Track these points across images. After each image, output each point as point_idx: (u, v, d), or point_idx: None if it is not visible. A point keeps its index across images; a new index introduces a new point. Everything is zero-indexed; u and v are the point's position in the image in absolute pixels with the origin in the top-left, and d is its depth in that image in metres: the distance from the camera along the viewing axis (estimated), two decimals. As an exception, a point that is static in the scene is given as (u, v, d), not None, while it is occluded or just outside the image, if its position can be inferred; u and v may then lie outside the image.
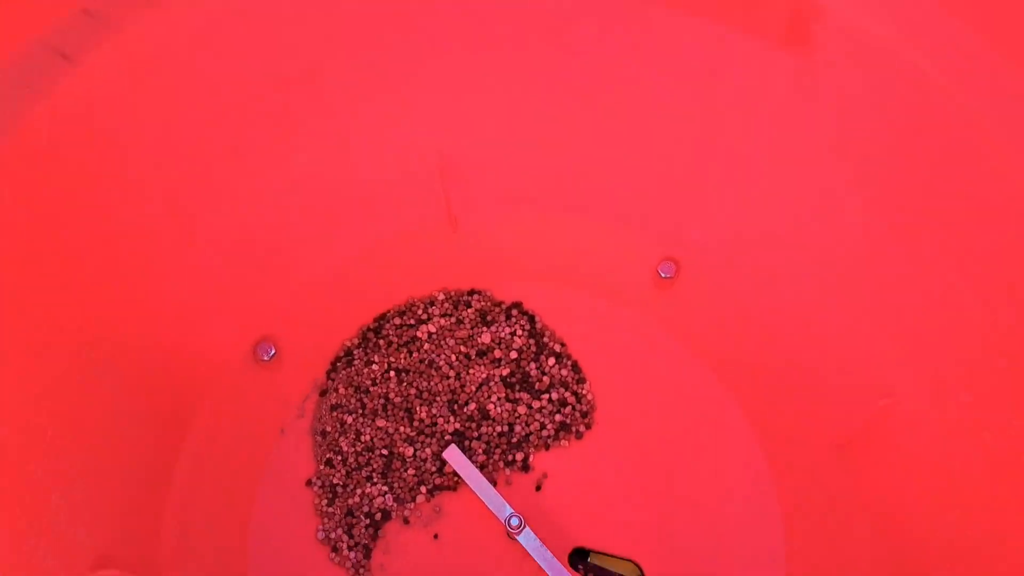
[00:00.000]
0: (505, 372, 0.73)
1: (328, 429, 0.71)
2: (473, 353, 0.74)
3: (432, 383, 0.73)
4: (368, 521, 0.69)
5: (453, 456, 0.67)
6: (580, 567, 0.68)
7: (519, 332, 0.75)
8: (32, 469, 0.45)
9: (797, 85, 0.55)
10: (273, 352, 0.69)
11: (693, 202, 0.69)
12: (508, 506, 0.65)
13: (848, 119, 0.54)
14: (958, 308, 0.50)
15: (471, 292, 0.76)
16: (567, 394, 0.73)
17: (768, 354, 0.67)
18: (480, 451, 0.71)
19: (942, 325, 0.52)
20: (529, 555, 0.67)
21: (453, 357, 0.74)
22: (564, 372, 0.74)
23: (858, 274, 0.59)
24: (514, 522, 0.64)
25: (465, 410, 0.72)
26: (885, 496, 0.60)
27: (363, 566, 0.67)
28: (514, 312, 0.75)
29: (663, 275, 0.71)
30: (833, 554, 0.62)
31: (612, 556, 0.69)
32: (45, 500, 0.46)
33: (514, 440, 0.71)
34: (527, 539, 0.64)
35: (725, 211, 0.67)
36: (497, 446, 0.71)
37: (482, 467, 0.70)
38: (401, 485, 0.70)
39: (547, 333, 0.75)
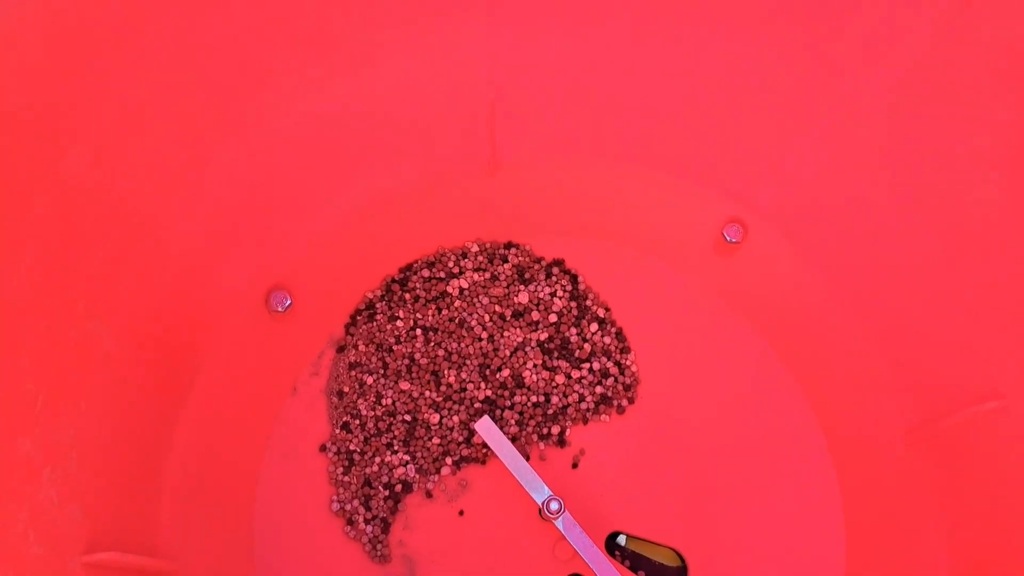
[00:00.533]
0: (543, 337, 0.66)
1: (346, 390, 0.64)
2: (508, 314, 0.67)
3: (462, 345, 0.66)
4: (387, 493, 0.62)
5: (486, 428, 0.61)
6: (616, 553, 0.63)
7: (560, 293, 0.67)
8: (20, 443, 0.38)
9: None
10: (289, 303, 0.61)
11: (770, 157, 0.61)
12: (546, 487, 0.59)
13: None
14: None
15: (508, 245, 0.68)
16: (609, 364, 0.66)
17: (841, 337, 0.61)
18: (512, 422, 0.64)
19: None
20: (562, 537, 0.61)
21: (486, 317, 0.66)
22: (607, 340, 0.67)
23: (965, 252, 0.52)
24: (553, 506, 0.58)
25: (498, 376, 0.65)
26: (965, 501, 0.55)
27: (380, 542, 0.61)
28: (555, 271, 0.68)
29: (729, 239, 0.63)
30: (897, 554, 0.57)
31: (651, 543, 0.64)
32: (35, 478, 0.39)
33: (550, 412, 0.65)
34: (566, 523, 0.58)
35: (807, 170, 0.60)
36: (532, 417, 0.65)
37: (514, 439, 0.64)
38: (425, 455, 0.64)
39: (590, 296, 0.68)
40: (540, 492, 0.59)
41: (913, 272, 0.54)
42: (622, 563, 0.63)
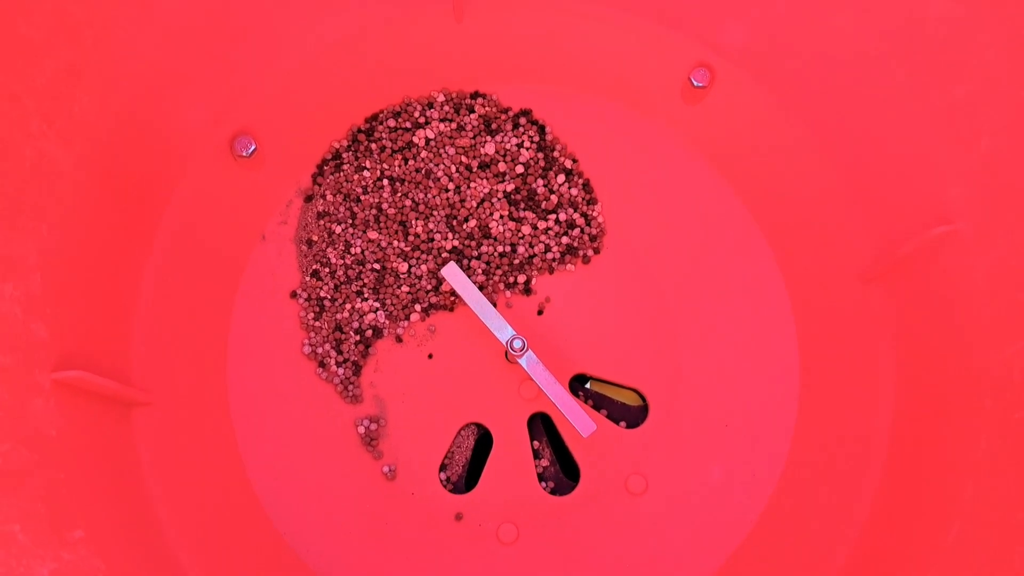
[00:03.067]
0: (509, 188, 0.67)
1: (314, 239, 0.65)
2: (475, 165, 0.67)
3: (429, 196, 0.66)
4: (358, 338, 0.64)
5: (452, 273, 0.62)
6: (580, 394, 0.66)
7: (527, 144, 0.67)
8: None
9: None
10: (253, 148, 0.61)
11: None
12: (509, 327, 0.61)
13: None
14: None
15: (475, 95, 0.67)
16: (576, 215, 0.67)
17: (804, 178, 0.61)
18: (479, 271, 0.65)
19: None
20: (528, 378, 0.63)
21: (453, 168, 0.66)
22: (574, 192, 0.67)
23: (922, 83, 0.51)
24: (516, 344, 0.59)
25: (465, 227, 0.66)
26: (914, 334, 0.57)
27: (352, 383, 0.64)
28: (522, 121, 0.68)
29: (696, 84, 0.63)
30: (850, 392, 0.60)
31: (614, 384, 0.66)
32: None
33: (516, 262, 0.66)
34: (529, 362, 0.60)
35: (779, 11, 0.58)
36: (498, 267, 0.66)
37: (481, 288, 0.65)
38: (394, 302, 0.65)
39: (558, 147, 0.68)
40: (505, 332, 0.60)
41: (874, 106, 0.54)
42: (585, 403, 0.65)
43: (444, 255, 0.66)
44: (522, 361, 0.60)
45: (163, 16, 0.51)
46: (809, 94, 0.59)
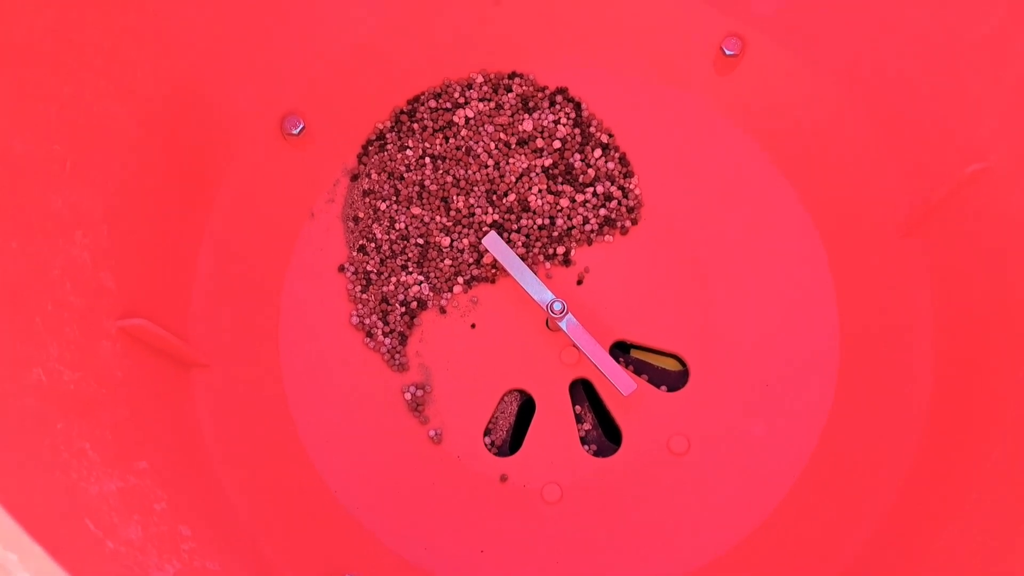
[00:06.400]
0: (547, 163, 0.69)
1: (360, 215, 0.68)
2: (513, 142, 0.69)
3: (470, 172, 0.68)
4: (403, 309, 0.66)
5: (492, 242, 0.64)
6: (620, 360, 0.67)
7: (563, 120, 0.69)
8: (52, 199, 0.42)
9: None
10: (301, 126, 0.64)
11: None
12: (549, 292, 0.62)
13: None
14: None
15: (512, 75, 0.70)
16: (613, 188, 0.68)
17: (837, 136, 0.62)
18: (519, 244, 0.67)
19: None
20: (569, 345, 0.65)
21: (492, 145, 0.69)
22: (611, 165, 0.69)
23: (951, 24, 0.52)
24: (556, 307, 0.61)
25: (504, 201, 0.68)
26: (953, 283, 0.56)
27: (398, 352, 0.66)
28: (559, 98, 0.70)
29: (727, 52, 0.64)
30: (890, 348, 0.60)
31: (654, 350, 0.67)
32: (69, 234, 0.43)
33: (555, 234, 0.68)
34: (569, 325, 0.61)
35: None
36: (537, 239, 0.68)
37: (521, 260, 0.67)
38: (437, 275, 0.67)
39: (594, 122, 0.69)
40: (545, 296, 0.62)
41: (899, 50, 0.55)
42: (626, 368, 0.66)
43: (484, 228, 0.68)
44: (562, 324, 0.62)
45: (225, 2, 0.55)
46: (834, 47, 0.59)
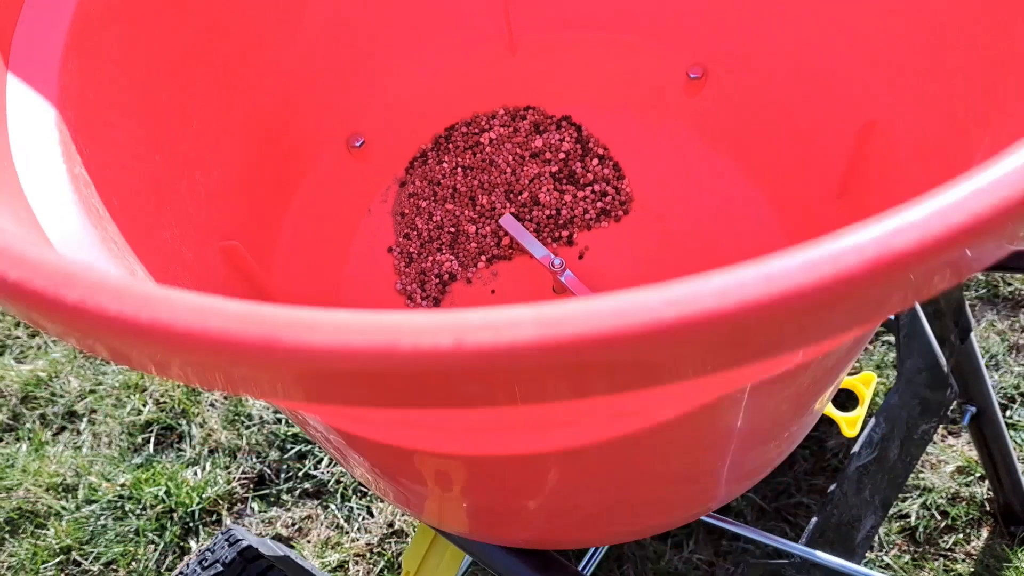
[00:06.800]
0: (554, 169, 0.86)
1: (406, 211, 0.86)
2: (527, 155, 0.87)
3: (492, 177, 0.87)
4: (437, 280, 0.83)
5: (508, 222, 0.81)
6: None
7: (567, 138, 0.87)
8: (180, 143, 0.61)
9: None
10: (362, 141, 0.85)
11: (720, 16, 0.80)
12: (551, 253, 0.77)
13: None
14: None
15: (527, 108, 0.89)
16: (608, 188, 0.85)
17: (787, 139, 0.77)
18: (531, 230, 0.84)
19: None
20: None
21: (510, 157, 0.87)
22: (606, 171, 0.86)
23: None
24: (556, 262, 0.76)
25: (519, 198, 0.85)
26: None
27: (432, 314, 0.81)
28: (563, 123, 0.88)
29: (692, 76, 0.82)
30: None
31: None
32: (191, 168, 0.62)
33: (560, 222, 0.84)
34: (568, 279, 0.76)
35: (744, 24, 0.78)
36: (546, 226, 0.84)
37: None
38: (465, 255, 0.84)
39: (592, 140, 0.87)
40: (548, 257, 0.77)
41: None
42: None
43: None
44: (562, 279, 0.77)
45: (306, 36, 0.77)
46: (777, 83, 0.76)
